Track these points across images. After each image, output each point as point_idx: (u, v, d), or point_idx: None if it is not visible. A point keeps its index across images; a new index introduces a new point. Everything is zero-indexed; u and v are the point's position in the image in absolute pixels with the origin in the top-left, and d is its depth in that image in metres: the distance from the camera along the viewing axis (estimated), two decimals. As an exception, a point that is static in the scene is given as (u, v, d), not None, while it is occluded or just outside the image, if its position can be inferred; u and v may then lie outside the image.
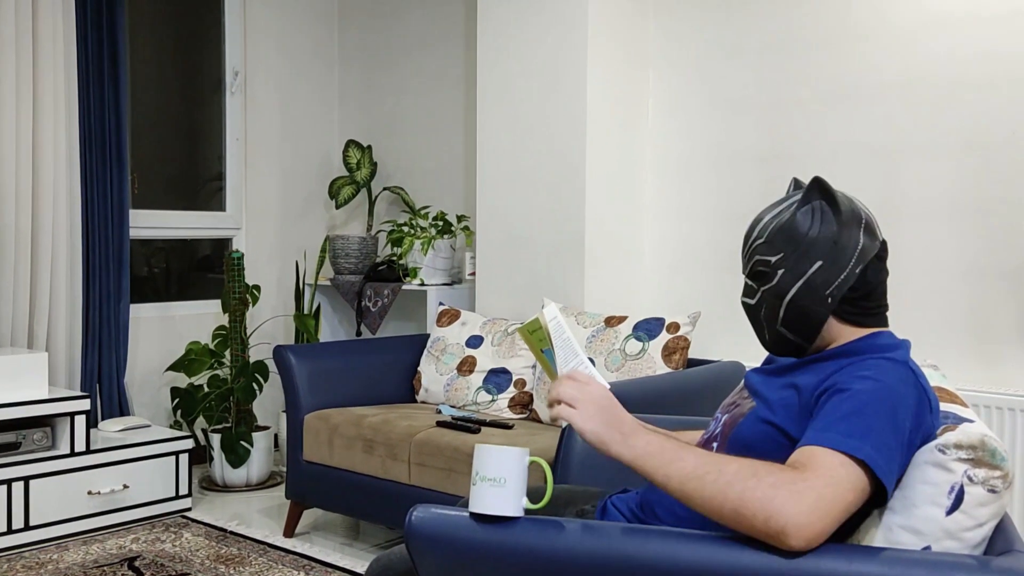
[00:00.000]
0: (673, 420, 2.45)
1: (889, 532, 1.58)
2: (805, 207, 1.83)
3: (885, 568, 1.41)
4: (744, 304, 1.92)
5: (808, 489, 1.46)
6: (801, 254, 1.79)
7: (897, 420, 1.58)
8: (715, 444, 1.88)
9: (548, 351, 1.97)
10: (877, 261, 1.83)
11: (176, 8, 5.43)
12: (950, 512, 1.54)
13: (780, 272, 1.81)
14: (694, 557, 1.50)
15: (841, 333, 1.82)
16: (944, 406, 1.77)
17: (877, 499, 1.59)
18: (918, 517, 1.55)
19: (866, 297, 1.82)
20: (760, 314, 1.87)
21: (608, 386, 1.99)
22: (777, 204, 1.89)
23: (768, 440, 1.74)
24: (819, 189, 1.82)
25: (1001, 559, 1.42)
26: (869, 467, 1.52)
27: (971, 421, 1.66)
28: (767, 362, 2.01)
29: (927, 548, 1.54)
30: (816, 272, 1.78)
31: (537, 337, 1.98)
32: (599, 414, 1.67)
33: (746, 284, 1.91)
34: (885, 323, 1.87)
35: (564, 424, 1.72)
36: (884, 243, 1.85)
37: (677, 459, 1.59)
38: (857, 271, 1.79)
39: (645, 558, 1.53)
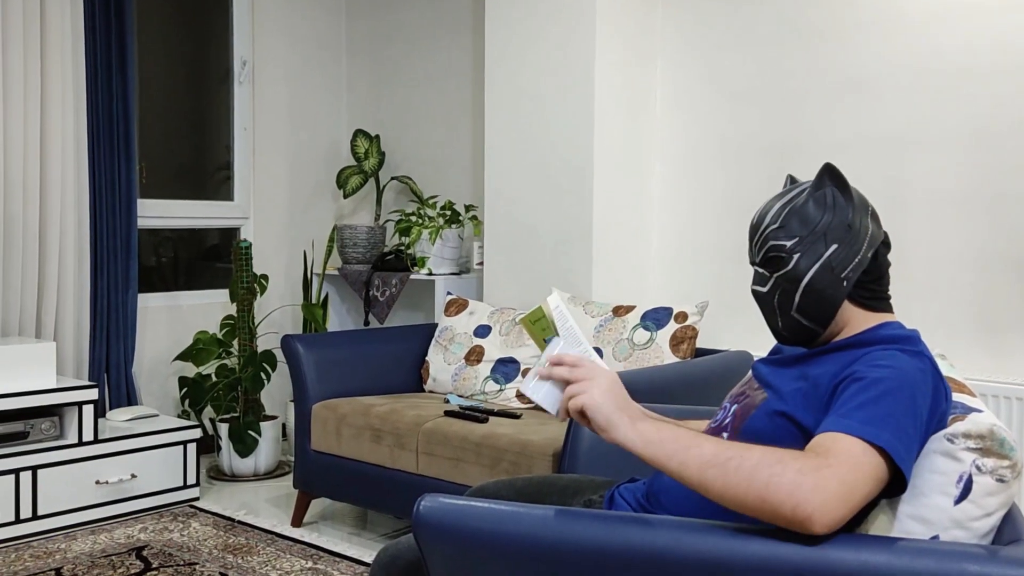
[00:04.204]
0: (681, 409, 2.45)
1: (897, 521, 1.57)
2: (818, 193, 1.84)
3: (894, 557, 1.40)
4: (755, 293, 1.91)
5: (832, 476, 1.46)
6: (817, 238, 1.80)
7: (916, 408, 1.58)
8: (725, 434, 1.87)
9: (552, 339, 1.96)
10: (884, 247, 1.85)
11: (184, -3, 5.43)
12: (958, 501, 1.53)
13: (796, 256, 1.81)
14: (702, 547, 1.50)
15: (852, 319, 1.82)
16: (952, 396, 1.76)
17: (893, 487, 1.58)
18: (926, 506, 1.55)
19: (877, 281, 1.83)
20: (774, 301, 1.86)
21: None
22: (784, 194, 1.89)
23: (782, 431, 1.73)
24: (830, 175, 1.84)
25: (1009, 548, 1.42)
26: (888, 454, 1.51)
27: (980, 411, 1.65)
28: (774, 352, 2.01)
29: (935, 537, 1.54)
30: (832, 255, 1.79)
31: (540, 327, 1.98)
32: (609, 395, 1.65)
33: (757, 272, 1.90)
34: (892, 310, 1.87)
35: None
36: (887, 234, 1.86)
37: (693, 445, 1.56)
38: (869, 255, 1.80)
39: (652, 548, 1.52)
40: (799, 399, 1.75)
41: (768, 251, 1.85)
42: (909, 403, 1.58)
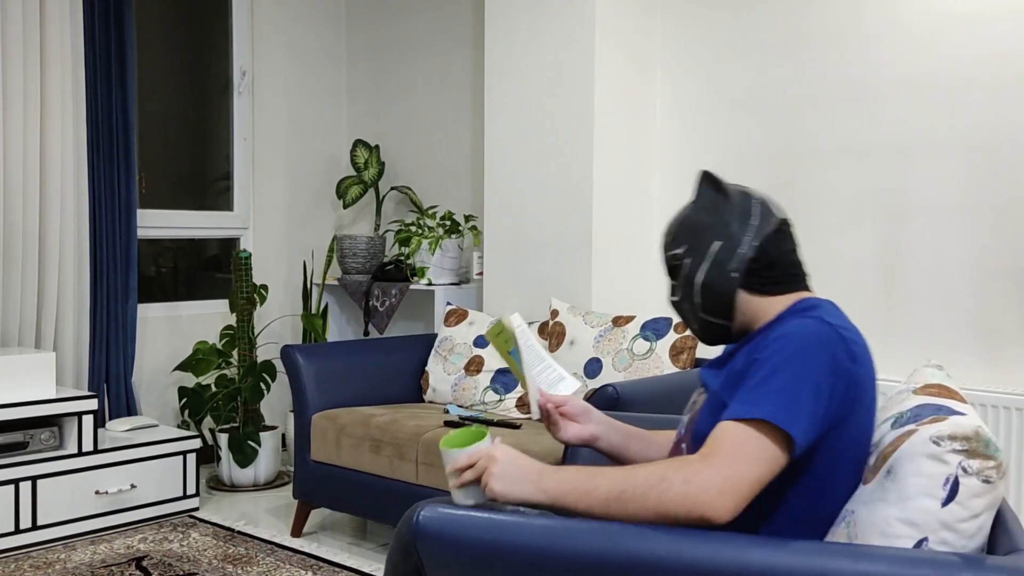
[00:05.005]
0: (678, 419, 2.45)
1: (886, 525, 1.58)
2: (699, 200, 1.99)
3: (890, 568, 1.41)
4: (672, 304, 2.03)
5: (714, 474, 1.60)
6: (701, 240, 1.94)
7: (805, 370, 1.68)
8: (684, 445, 1.95)
9: (514, 351, 2.05)
10: (777, 234, 1.93)
11: (184, 8, 5.44)
12: (945, 503, 1.54)
13: (687, 261, 1.95)
14: (701, 556, 1.50)
15: (759, 307, 1.93)
16: (939, 400, 1.77)
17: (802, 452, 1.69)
18: (914, 509, 1.56)
19: (770, 267, 1.91)
20: (685, 308, 1.99)
21: (579, 385, 2.14)
22: (678, 211, 2.03)
23: (712, 421, 1.80)
24: (706, 181, 1.99)
25: (1008, 558, 1.42)
26: (772, 424, 1.63)
27: (963, 415, 1.67)
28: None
29: (924, 539, 1.55)
30: (717, 252, 1.91)
31: (503, 339, 2.08)
32: (506, 472, 1.75)
33: (669, 285, 2.03)
34: (802, 288, 1.96)
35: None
36: (785, 220, 1.96)
37: (591, 488, 1.68)
38: (756, 244, 1.90)
39: (652, 558, 1.53)
40: (727, 388, 1.83)
41: (668, 262, 2.01)
42: (798, 368, 1.68)
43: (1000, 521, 1.64)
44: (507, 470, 1.75)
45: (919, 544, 1.55)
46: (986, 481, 1.53)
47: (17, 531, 3.88)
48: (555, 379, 2.12)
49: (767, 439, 1.63)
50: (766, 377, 1.68)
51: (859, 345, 1.78)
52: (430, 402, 4.36)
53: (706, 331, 1.98)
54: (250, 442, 4.82)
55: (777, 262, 1.91)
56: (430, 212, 5.19)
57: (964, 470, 1.54)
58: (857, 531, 1.64)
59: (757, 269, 1.90)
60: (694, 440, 1.87)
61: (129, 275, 4.83)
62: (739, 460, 1.61)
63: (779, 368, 1.68)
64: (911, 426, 1.67)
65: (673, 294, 2.01)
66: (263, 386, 4.91)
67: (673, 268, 1.99)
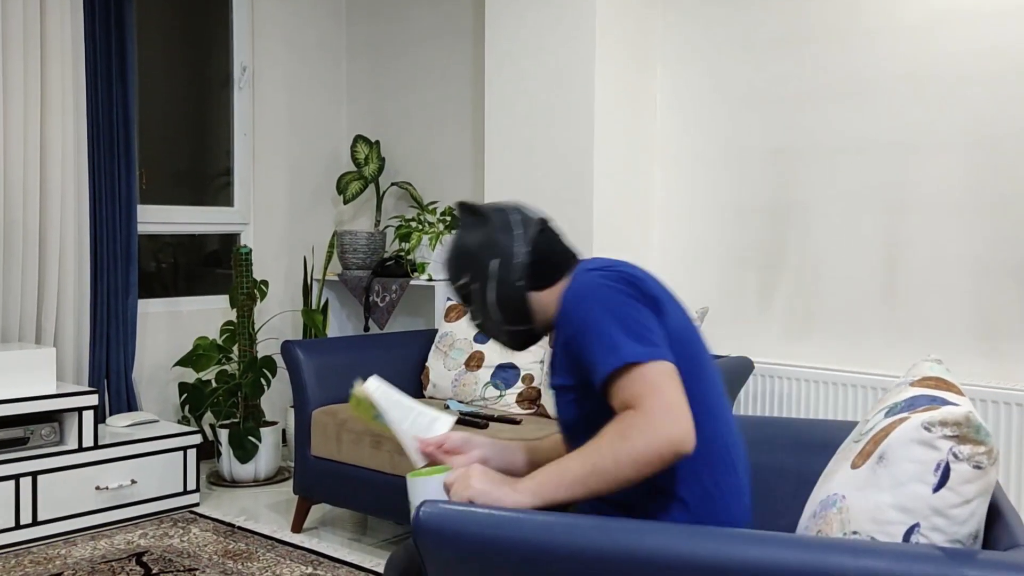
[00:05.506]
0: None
1: (877, 511, 1.59)
2: (463, 229, 2.14)
3: (892, 563, 1.41)
4: (477, 327, 2.16)
5: (655, 414, 1.70)
6: (479, 264, 2.08)
7: (618, 314, 1.82)
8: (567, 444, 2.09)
9: (378, 416, 2.18)
10: (542, 234, 2.10)
11: (184, 3, 5.43)
12: (937, 489, 1.55)
13: (475, 287, 2.09)
14: (700, 552, 1.51)
15: (548, 298, 2.07)
16: (934, 392, 1.78)
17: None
18: (905, 495, 1.57)
19: (545, 263, 2.08)
20: (489, 327, 2.13)
21: (453, 419, 2.26)
22: (448, 245, 2.18)
23: (568, 407, 1.99)
24: (461, 210, 2.16)
25: (1008, 553, 1.42)
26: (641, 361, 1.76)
27: (956, 405, 1.67)
28: None
29: (915, 525, 1.55)
30: (498, 271, 2.06)
31: (364, 409, 2.21)
32: (482, 481, 1.81)
33: (468, 312, 2.17)
34: (576, 258, 2.13)
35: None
36: (543, 219, 2.13)
37: (563, 471, 1.77)
38: (527, 250, 2.06)
39: (651, 553, 1.53)
40: (562, 372, 1.97)
41: (459, 292, 2.14)
42: (607, 309, 1.82)
43: (1000, 516, 1.64)
44: (484, 477, 1.81)
45: (911, 530, 1.55)
46: (977, 467, 1.54)
47: (17, 527, 3.88)
48: (428, 423, 2.21)
49: (651, 364, 1.75)
50: (591, 337, 1.82)
51: (629, 266, 1.93)
52: (430, 398, 4.36)
53: (515, 339, 2.13)
54: (250, 438, 4.82)
55: (550, 257, 2.08)
56: (430, 207, 5.19)
57: (955, 456, 1.55)
58: (849, 516, 1.64)
59: (536, 271, 2.05)
60: (563, 429, 2.06)
61: (129, 271, 4.83)
62: (658, 390, 1.73)
63: (596, 323, 1.82)
64: (904, 414, 1.68)
65: (474, 318, 2.14)
66: (263, 382, 4.91)
67: (465, 297, 2.12)
